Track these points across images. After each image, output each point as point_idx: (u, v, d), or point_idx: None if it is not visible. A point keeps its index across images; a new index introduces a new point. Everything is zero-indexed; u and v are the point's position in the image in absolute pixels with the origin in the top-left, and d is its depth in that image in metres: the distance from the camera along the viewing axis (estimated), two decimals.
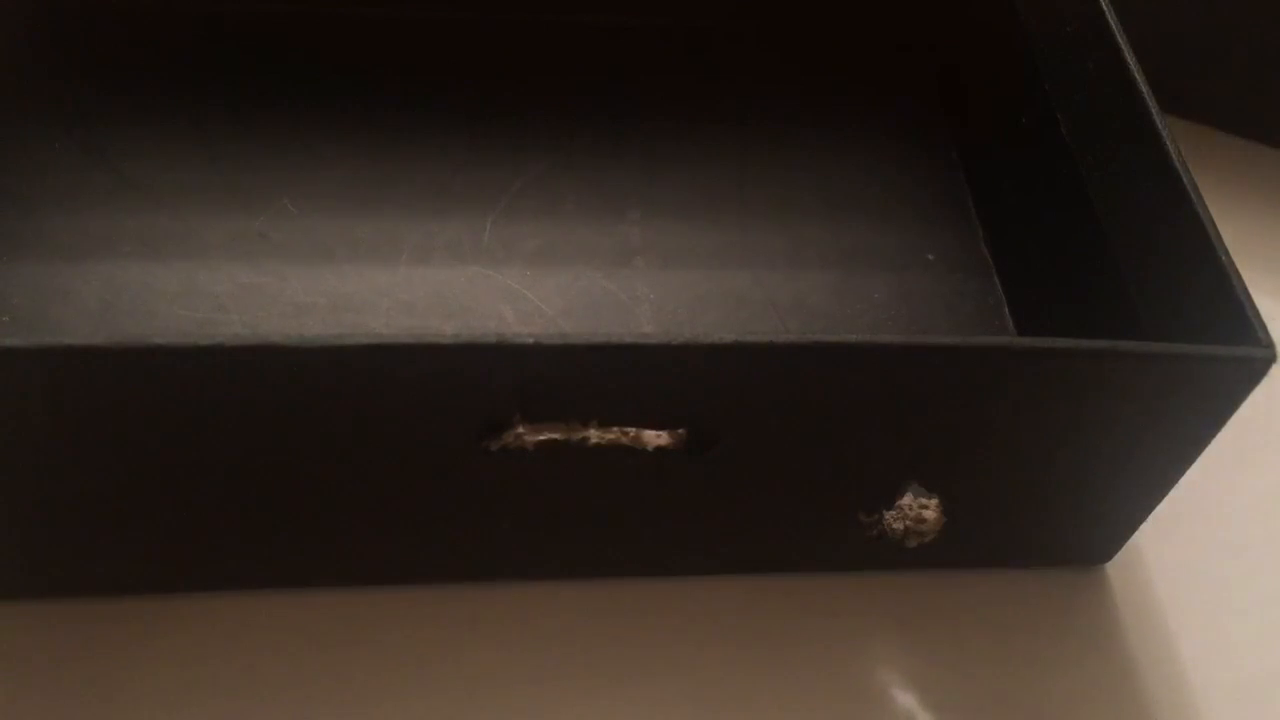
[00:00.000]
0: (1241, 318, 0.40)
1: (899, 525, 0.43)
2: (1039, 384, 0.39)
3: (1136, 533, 0.48)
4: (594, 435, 0.38)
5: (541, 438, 0.38)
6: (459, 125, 0.59)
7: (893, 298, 0.55)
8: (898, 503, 0.42)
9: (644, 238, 0.56)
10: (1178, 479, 0.45)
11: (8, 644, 0.43)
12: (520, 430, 0.38)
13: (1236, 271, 0.41)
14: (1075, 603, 0.49)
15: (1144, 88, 0.47)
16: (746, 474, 0.42)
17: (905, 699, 0.46)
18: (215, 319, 0.50)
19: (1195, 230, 0.43)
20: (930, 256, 0.57)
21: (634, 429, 0.39)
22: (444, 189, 0.56)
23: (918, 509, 0.42)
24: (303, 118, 0.58)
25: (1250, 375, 0.40)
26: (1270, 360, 0.39)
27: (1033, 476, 0.44)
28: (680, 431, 0.39)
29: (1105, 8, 0.50)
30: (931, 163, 0.61)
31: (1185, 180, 0.44)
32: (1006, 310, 0.56)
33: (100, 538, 0.42)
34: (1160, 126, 0.46)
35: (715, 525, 0.45)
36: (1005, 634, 0.48)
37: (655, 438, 0.39)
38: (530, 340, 0.36)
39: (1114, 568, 0.50)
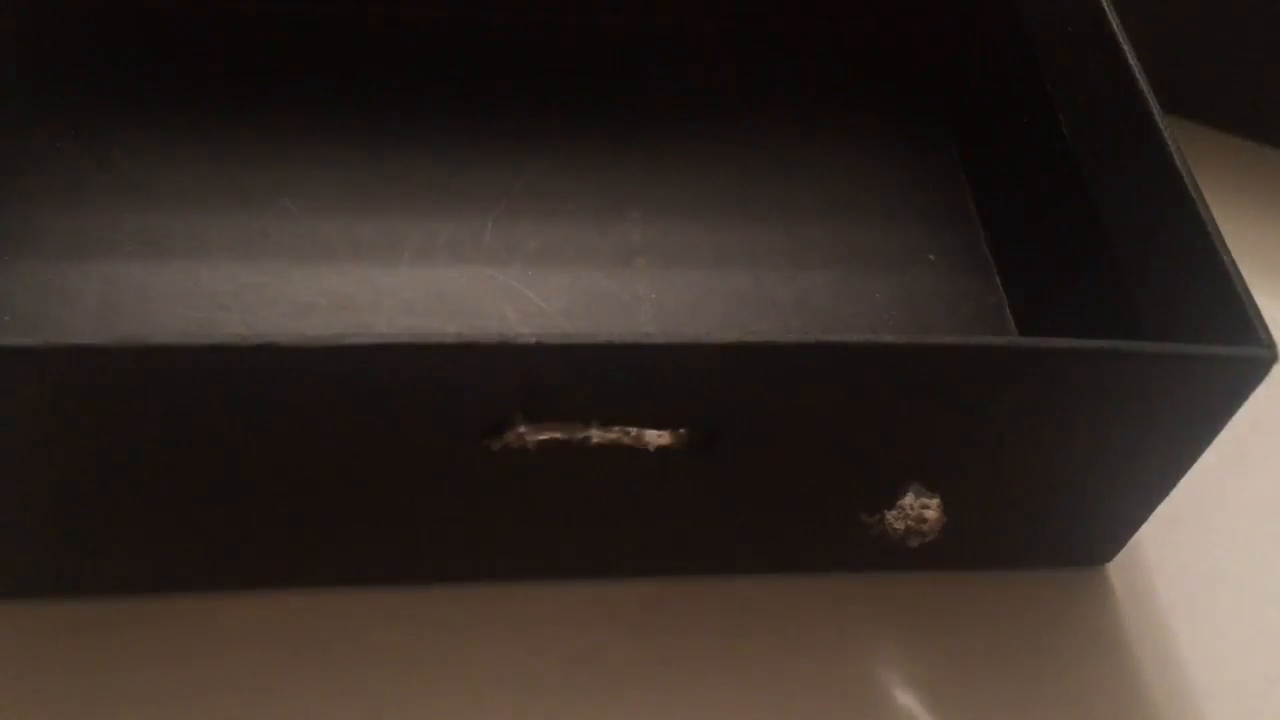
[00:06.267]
0: (1242, 318, 0.40)
1: (900, 525, 0.43)
2: (1039, 384, 0.39)
3: (1137, 533, 0.48)
4: (595, 435, 0.38)
5: (543, 437, 0.38)
6: (459, 125, 0.59)
7: (894, 298, 0.55)
8: (899, 503, 0.42)
9: (645, 237, 0.56)
10: (1178, 479, 0.45)
11: (8, 644, 0.43)
12: (522, 430, 0.38)
13: (1238, 271, 0.41)
14: (1075, 603, 0.49)
15: (1144, 87, 0.47)
16: (748, 474, 0.42)
17: (906, 699, 0.46)
18: (216, 318, 0.50)
19: (1196, 230, 0.43)
20: (931, 256, 0.57)
21: (635, 429, 0.39)
22: (445, 189, 0.56)
23: (919, 509, 0.42)
24: (304, 117, 0.58)
25: (1250, 375, 0.40)
26: (1270, 360, 0.39)
27: (1033, 476, 0.44)
28: (681, 431, 0.39)
29: (1106, 7, 0.50)
30: (932, 163, 0.61)
31: (1186, 180, 0.44)
32: (1007, 310, 0.56)
33: (100, 538, 0.42)
34: (1160, 126, 0.46)
35: (716, 525, 0.45)
36: (1005, 634, 0.48)
37: (657, 437, 0.39)
38: (532, 340, 0.36)
39: (1114, 568, 0.50)
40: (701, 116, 0.61)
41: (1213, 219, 0.43)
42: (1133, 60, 0.48)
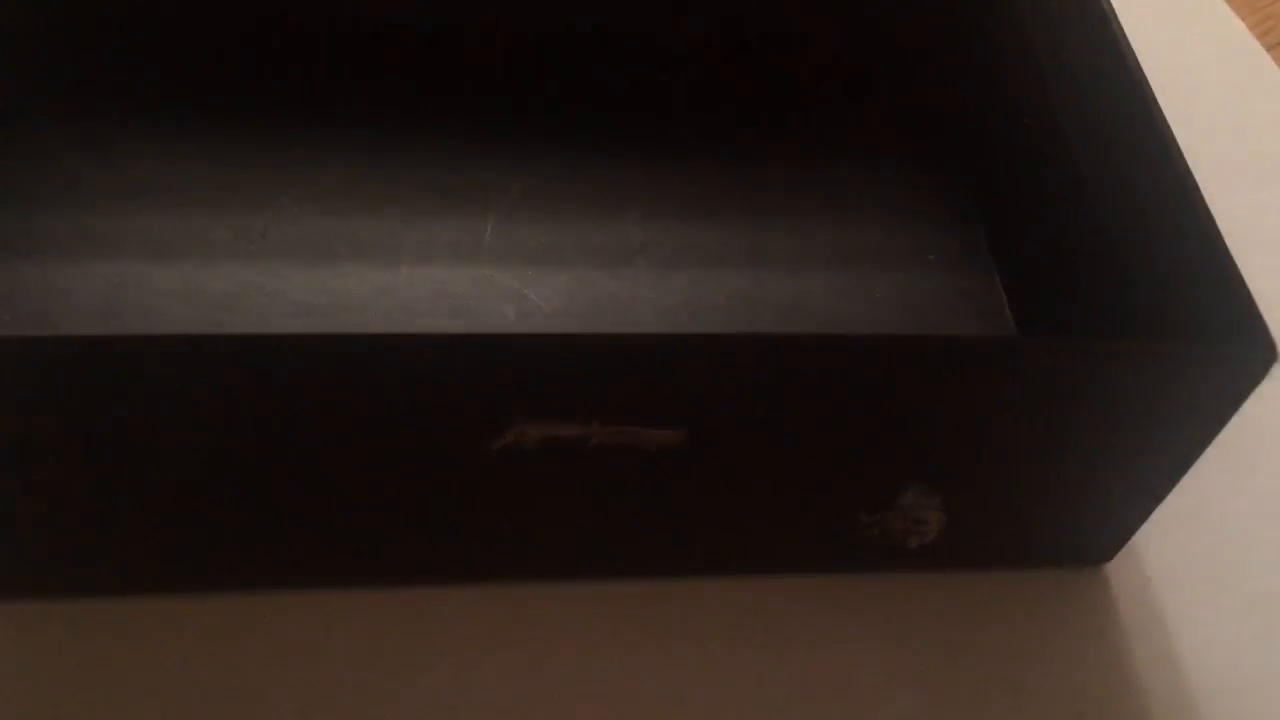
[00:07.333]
0: (1242, 318, 0.40)
1: (900, 525, 0.43)
2: (1039, 384, 0.39)
3: (1137, 533, 0.48)
4: (595, 434, 0.38)
5: (543, 436, 0.38)
6: (460, 125, 0.59)
7: (893, 298, 0.55)
8: (899, 503, 0.42)
9: (645, 237, 0.56)
10: (1178, 479, 0.45)
11: (8, 644, 0.43)
12: (522, 429, 0.38)
13: (1237, 271, 0.41)
14: (1075, 603, 0.49)
15: (1145, 87, 0.47)
16: (747, 474, 0.42)
17: (906, 698, 0.46)
18: (216, 318, 0.50)
19: (1197, 230, 0.43)
20: (931, 256, 0.57)
21: (635, 428, 0.39)
22: (445, 189, 0.56)
23: (919, 509, 0.42)
24: (303, 117, 0.58)
25: (1251, 375, 0.40)
26: (1270, 360, 0.39)
27: (1033, 476, 0.44)
28: (681, 431, 0.39)
29: (1107, 8, 0.50)
30: (932, 163, 0.61)
31: (1186, 180, 0.44)
32: (1007, 310, 0.56)
33: (100, 537, 0.42)
34: (1162, 126, 0.46)
35: (716, 525, 0.45)
36: (1005, 634, 0.48)
37: (657, 437, 0.39)
38: (532, 340, 0.36)
39: (1114, 568, 0.50)
40: (701, 117, 0.61)
41: (1212, 219, 0.43)
42: (1134, 60, 0.48)
